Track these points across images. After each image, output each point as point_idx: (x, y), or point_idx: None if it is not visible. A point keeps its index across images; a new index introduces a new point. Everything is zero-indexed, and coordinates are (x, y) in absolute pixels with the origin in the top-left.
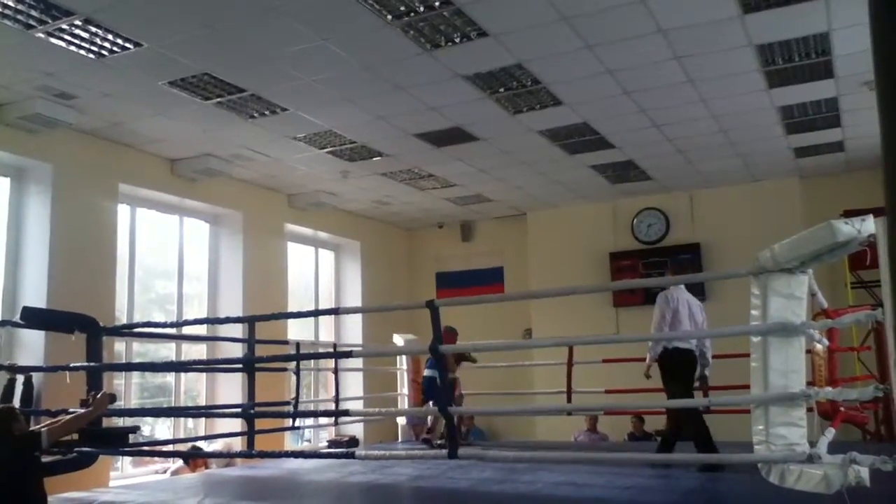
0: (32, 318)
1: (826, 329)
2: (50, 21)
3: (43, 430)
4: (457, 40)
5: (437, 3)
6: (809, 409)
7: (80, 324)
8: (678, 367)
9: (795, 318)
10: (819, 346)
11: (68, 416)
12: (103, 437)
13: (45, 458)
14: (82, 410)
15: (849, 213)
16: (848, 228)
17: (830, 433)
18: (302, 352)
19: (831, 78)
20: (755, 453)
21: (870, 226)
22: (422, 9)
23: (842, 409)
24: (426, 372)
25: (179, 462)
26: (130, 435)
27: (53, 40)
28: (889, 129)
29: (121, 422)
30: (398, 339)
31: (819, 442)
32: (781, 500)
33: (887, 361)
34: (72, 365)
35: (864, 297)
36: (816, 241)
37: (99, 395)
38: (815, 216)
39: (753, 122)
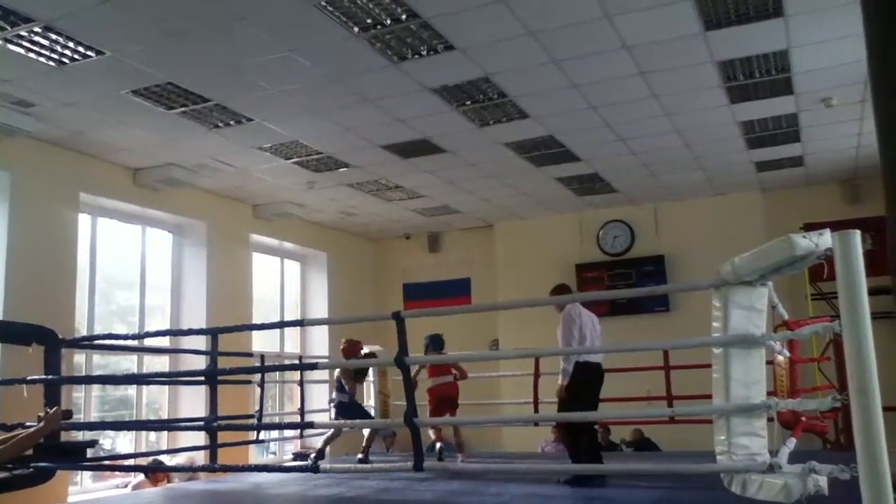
0: None
1: (786, 340)
2: (8, 27)
3: None
4: (424, 53)
5: (403, 17)
6: (770, 420)
7: (37, 336)
8: (590, 380)
9: (756, 329)
10: (780, 357)
11: (16, 437)
12: (60, 452)
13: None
14: (31, 429)
15: (809, 227)
16: (806, 242)
17: (791, 443)
18: (267, 363)
19: (791, 94)
20: (717, 463)
21: (827, 240)
22: (389, 21)
23: (803, 418)
24: (335, 395)
25: (141, 476)
26: (88, 449)
27: (11, 47)
28: (886, 139)
29: (80, 436)
30: (365, 351)
31: (780, 452)
32: None
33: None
34: (29, 378)
35: (823, 308)
36: (776, 254)
37: (51, 412)
38: (776, 229)
39: (716, 136)
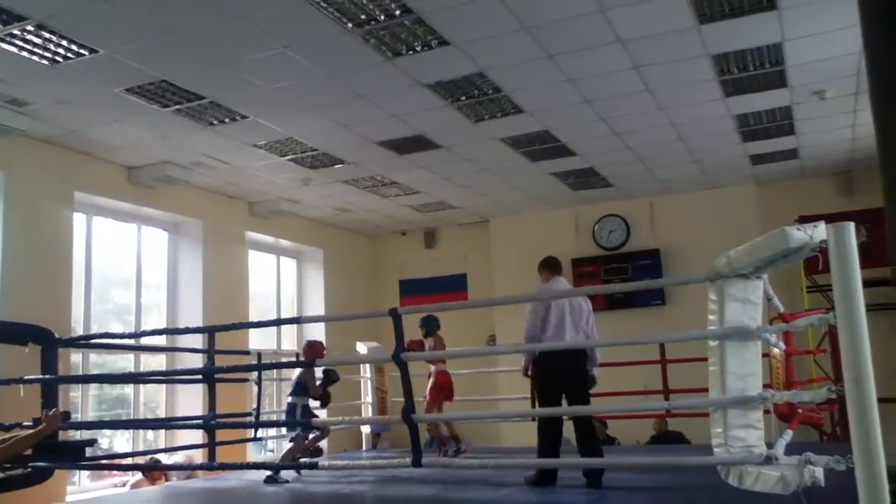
0: None
1: (782, 332)
2: (1, 26)
3: None
4: (418, 49)
5: (397, 12)
6: (767, 412)
7: (34, 335)
8: (552, 372)
9: (752, 322)
10: (776, 350)
11: (15, 438)
12: (58, 451)
13: None
14: (30, 431)
15: (803, 219)
16: (800, 234)
17: (788, 435)
18: (264, 361)
19: (785, 87)
20: (714, 456)
21: (821, 232)
22: (382, 17)
23: (799, 410)
24: (290, 399)
25: (139, 475)
26: (87, 448)
27: (4, 46)
28: (884, 133)
29: (78, 435)
30: (361, 348)
31: (776, 443)
32: (745, 500)
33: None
34: (26, 378)
35: (819, 300)
36: (770, 246)
37: (51, 413)
38: (770, 222)
39: (710, 130)
